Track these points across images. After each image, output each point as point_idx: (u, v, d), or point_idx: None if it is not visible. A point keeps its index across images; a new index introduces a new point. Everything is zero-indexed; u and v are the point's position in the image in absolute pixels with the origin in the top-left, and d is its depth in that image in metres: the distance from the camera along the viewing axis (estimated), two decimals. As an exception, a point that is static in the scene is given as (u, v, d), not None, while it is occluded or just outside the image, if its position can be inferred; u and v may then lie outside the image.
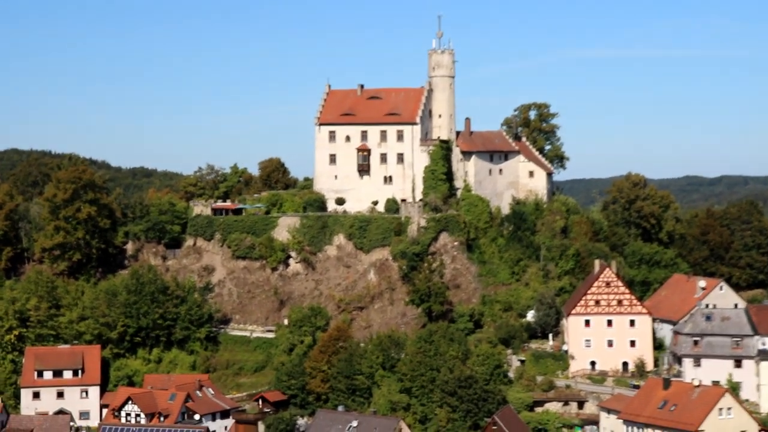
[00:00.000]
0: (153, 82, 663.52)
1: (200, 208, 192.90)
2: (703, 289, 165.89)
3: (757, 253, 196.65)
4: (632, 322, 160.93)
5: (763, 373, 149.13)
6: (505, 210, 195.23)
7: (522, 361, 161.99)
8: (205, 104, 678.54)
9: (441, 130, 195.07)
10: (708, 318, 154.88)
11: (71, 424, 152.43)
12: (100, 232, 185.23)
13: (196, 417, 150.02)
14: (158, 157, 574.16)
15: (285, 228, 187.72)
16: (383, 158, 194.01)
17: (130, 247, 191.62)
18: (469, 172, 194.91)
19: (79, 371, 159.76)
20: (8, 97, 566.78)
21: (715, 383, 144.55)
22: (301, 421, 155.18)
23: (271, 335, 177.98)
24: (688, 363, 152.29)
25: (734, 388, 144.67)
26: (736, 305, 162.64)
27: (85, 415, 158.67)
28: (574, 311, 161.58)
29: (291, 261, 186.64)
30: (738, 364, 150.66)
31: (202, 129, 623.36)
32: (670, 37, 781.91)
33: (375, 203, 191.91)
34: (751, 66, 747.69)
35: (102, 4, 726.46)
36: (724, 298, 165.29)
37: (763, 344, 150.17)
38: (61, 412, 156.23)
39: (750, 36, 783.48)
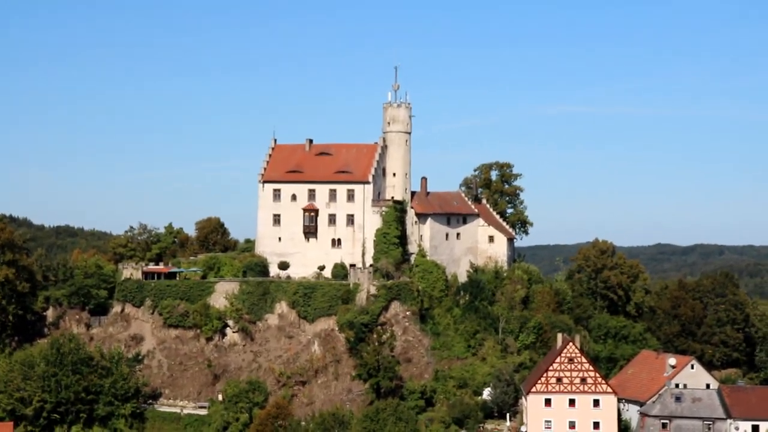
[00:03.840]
0: (80, 131, 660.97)
1: (130, 272, 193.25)
2: (673, 367, 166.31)
3: (731, 330, 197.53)
4: (596, 402, 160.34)
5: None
6: (462, 277, 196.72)
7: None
8: (138, 158, 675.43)
9: (395, 189, 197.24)
10: (678, 399, 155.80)
11: None
12: (17, 296, 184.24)
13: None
14: (85, 215, 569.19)
15: (222, 294, 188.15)
16: (332, 219, 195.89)
17: (50, 313, 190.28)
18: (424, 235, 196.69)
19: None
20: None
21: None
22: None
23: (203, 412, 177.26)
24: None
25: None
26: (708, 385, 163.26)
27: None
28: (533, 389, 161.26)
29: (228, 330, 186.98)
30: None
31: (134, 185, 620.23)
32: (642, 95, 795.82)
33: (321, 268, 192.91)
34: (730, 128, 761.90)
35: (33, 38, 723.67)
36: (695, 377, 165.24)
37: (737, 428, 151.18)
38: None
39: (727, 96, 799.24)
